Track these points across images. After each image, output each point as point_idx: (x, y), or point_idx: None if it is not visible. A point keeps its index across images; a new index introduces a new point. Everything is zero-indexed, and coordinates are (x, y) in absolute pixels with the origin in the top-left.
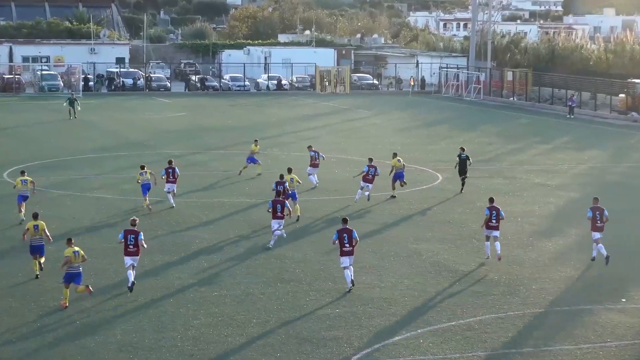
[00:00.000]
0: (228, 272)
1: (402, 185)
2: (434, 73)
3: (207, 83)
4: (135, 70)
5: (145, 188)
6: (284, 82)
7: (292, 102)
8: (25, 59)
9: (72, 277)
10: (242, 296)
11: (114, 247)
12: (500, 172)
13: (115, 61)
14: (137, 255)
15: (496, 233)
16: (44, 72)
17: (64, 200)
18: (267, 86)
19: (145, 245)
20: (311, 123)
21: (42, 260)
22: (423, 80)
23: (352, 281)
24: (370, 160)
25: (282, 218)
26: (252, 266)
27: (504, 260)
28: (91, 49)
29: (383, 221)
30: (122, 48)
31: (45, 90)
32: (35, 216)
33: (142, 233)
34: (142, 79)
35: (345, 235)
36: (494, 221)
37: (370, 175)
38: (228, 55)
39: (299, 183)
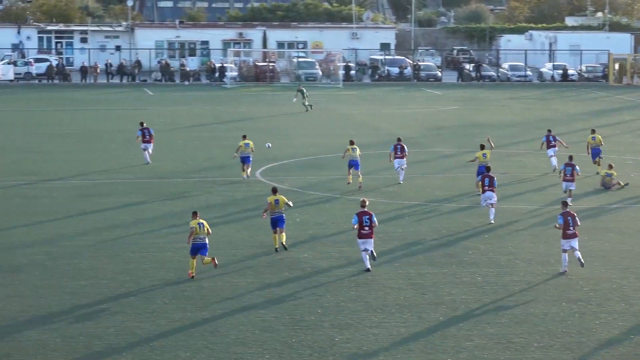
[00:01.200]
0: (505, 288)
1: None
2: None
3: (482, 72)
4: (402, 57)
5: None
6: (571, 71)
7: (581, 95)
8: (280, 45)
9: (197, 249)
10: (522, 316)
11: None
12: None
13: (379, 47)
14: (371, 238)
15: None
16: (300, 60)
17: (323, 203)
18: (552, 76)
19: (376, 223)
20: (603, 120)
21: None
22: None
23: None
24: None
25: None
26: (532, 282)
27: None
28: (353, 33)
29: None
30: (387, 32)
31: (302, 80)
32: (274, 190)
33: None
34: (409, 68)
35: (569, 218)
36: (571, 229)
37: None
38: (507, 41)
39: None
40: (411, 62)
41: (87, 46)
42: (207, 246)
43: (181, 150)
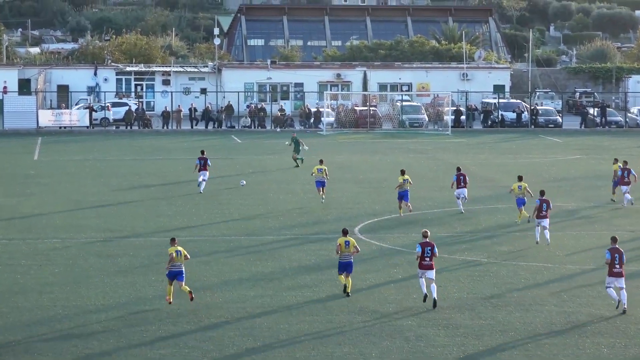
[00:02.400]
0: None
1: None
2: None
3: (608, 117)
4: (518, 101)
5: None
6: None
7: None
8: (381, 87)
9: (174, 275)
10: None
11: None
12: None
13: (492, 90)
14: (433, 269)
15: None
16: (404, 104)
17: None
18: None
19: (437, 254)
20: None
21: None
22: None
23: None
24: None
25: None
26: None
27: None
28: (463, 74)
29: None
30: (501, 73)
31: (406, 126)
32: (345, 232)
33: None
34: (526, 113)
35: (616, 255)
36: (617, 267)
37: None
38: (637, 82)
39: None
40: (528, 106)
41: (169, 89)
42: (184, 273)
43: (273, 204)
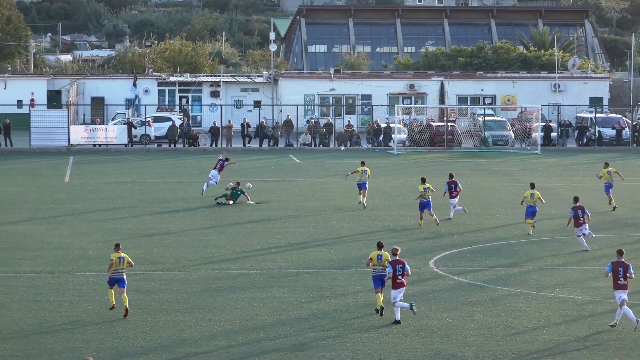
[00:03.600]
0: None
1: None
2: None
3: None
4: (618, 115)
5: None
6: None
7: None
8: (461, 100)
9: (115, 282)
10: None
11: None
12: None
13: (588, 103)
14: (404, 287)
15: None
16: (487, 119)
17: (515, 300)
18: None
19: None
20: None
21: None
22: None
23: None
24: None
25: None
26: None
27: None
28: (554, 85)
29: None
30: (598, 84)
31: (489, 144)
32: (380, 246)
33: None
34: (627, 129)
35: (620, 269)
36: (621, 280)
37: None
38: None
39: None
40: (630, 121)
41: (218, 101)
42: (125, 280)
43: (335, 232)
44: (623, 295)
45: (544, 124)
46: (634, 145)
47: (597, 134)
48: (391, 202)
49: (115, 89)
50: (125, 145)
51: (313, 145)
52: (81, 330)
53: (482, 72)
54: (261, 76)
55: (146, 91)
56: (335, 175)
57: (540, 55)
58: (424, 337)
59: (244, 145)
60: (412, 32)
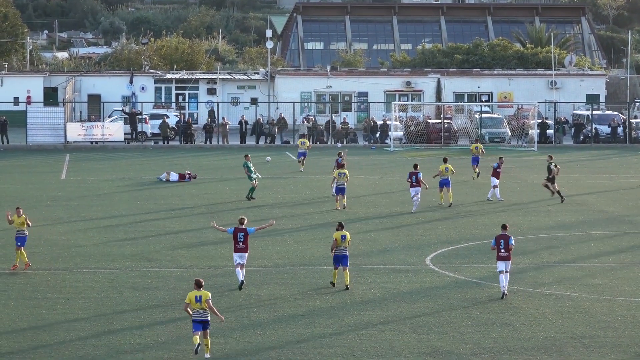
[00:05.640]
0: None
1: None
2: None
3: None
4: (614, 113)
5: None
6: None
7: None
8: (458, 97)
9: (19, 241)
10: None
11: None
12: None
13: (584, 100)
14: (246, 253)
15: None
16: (484, 116)
17: (511, 297)
18: None
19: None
20: None
21: None
22: None
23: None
24: None
25: None
26: None
27: None
28: (551, 82)
29: None
30: (595, 81)
31: (486, 141)
32: (341, 226)
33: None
34: (622, 126)
35: (502, 240)
36: (502, 251)
37: None
38: None
39: None
40: (625, 118)
41: (215, 99)
42: (26, 240)
43: (332, 230)
44: (503, 266)
45: (541, 121)
46: (628, 142)
47: (593, 131)
48: (387, 199)
49: (111, 86)
50: (126, 139)
51: (310, 142)
52: (77, 327)
53: (478, 69)
54: (258, 73)
55: (143, 88)
56: (331, 172)
57: (536, 52)
58: (420, 334)
59: (241, 142)
60: (409, 30)
